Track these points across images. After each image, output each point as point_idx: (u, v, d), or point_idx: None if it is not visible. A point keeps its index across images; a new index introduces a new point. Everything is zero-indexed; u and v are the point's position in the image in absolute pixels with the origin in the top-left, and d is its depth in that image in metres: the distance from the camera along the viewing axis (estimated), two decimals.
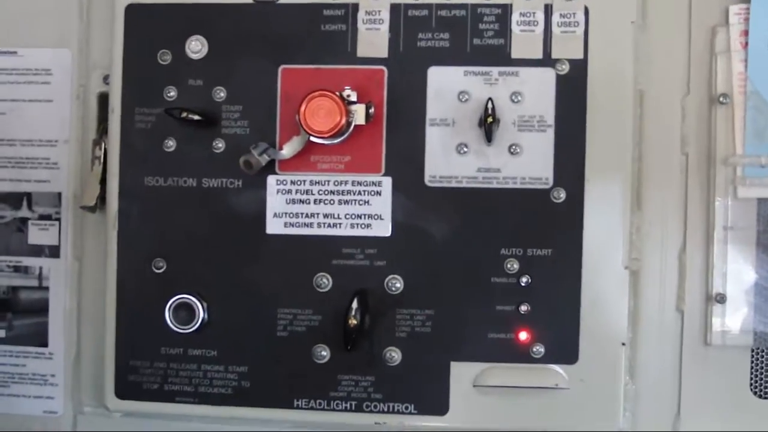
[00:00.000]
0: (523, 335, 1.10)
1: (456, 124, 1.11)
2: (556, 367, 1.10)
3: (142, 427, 1.19)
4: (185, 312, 1.12)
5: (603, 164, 1.09)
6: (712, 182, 1.12)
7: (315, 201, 1.12)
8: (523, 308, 1.09)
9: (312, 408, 1.12)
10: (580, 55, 1.10)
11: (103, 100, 1.18)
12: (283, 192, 1.12)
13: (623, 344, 1.09)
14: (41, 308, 1.21)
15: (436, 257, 1.10)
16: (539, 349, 1.09)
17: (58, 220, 1.21)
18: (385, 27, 1.12)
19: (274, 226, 1.12)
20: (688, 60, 1.14)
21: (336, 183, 1.12)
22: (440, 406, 1.11)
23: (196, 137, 1.13)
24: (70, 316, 1.21)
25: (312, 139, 1.08)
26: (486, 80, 1.11)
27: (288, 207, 1.12)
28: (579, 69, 1.10)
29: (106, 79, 1.18)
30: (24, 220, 1.21)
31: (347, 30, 1.12)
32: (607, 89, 1.10)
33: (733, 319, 1.12)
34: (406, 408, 1.11)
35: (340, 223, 1.12)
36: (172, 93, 1.13)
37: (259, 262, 1.12)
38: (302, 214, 1.12)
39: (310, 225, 1.12)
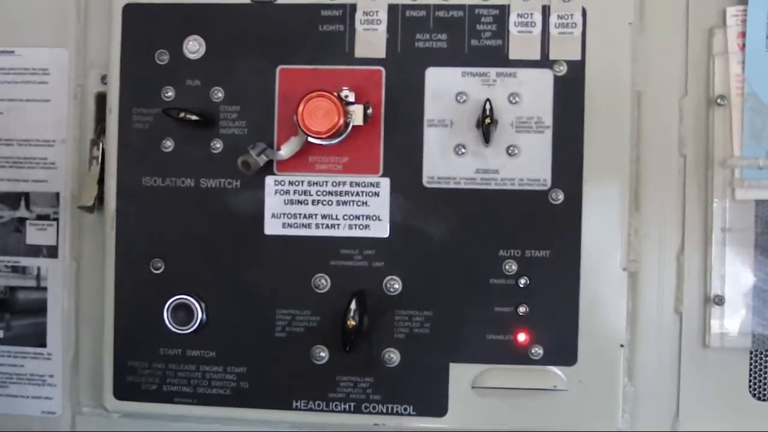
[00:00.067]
0: (522, 337, 1.10)
1: (454, 125, 1.11)
2: (555, 369, 1.10)
3: (140, 427, 1.19)
4: (184, 313, 1.11)
5: (601, 165, 1.09)
6: (710, 184, 1.12)
7: (313, 202, 1.12)
8: (522, 309, 1.09)
9: (311, 409, 1.12)
10: (577, 57, 1.10)
11: (101, 100, 1.18)
12: (281, 192, 1.12)
13: (622, 346, 1.10)
14: (39, 308, 1.21)
15: (434, 258, 1.10)
16: (538, 351, 1.09)
17: (56, 220, 1.21)
18: (382, 27, 1.12)
19: (272, 227, 1.12)
20: (686, 61, 1.14)
21: (334, 184, 1.12)
22: (439, 408, 1.11)
23: (194, 137, 1.13)
24: (69, 316, 1.21)
25: (310, 139, 1.08)
26: (484, 81, 1.11)
27: (286, 208, 1.12)
28: (577, 70, 1.10)
29: (103, 79, 1.18)
30: (22, 220, 1.21)
31: (345, 30, 1.12)
32: (605, 90, 1.10)
33: (732, 321, 1.12)
34: (405, 409, 1.11)
35: (338, 224, 1.12)
36: (169, 93, 1.13)
37: (257, 263, 1.12)
38: (300, 214, 1.12)
39: (308, 226, 1.12)
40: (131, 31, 1.14)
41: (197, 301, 1.11)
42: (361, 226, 1.11)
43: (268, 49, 1.13)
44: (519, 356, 1.10)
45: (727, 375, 1.13)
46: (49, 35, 1.21)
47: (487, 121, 1.07)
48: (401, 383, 1.11)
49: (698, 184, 1.13)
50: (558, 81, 1.10)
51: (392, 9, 1.12)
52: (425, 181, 1.11)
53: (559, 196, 1.09)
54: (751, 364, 1.13)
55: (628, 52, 1.10)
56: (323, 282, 1.11)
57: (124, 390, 1.14)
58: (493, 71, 1.11)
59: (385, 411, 1.11)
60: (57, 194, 1.21)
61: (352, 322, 1.07)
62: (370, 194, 1.11)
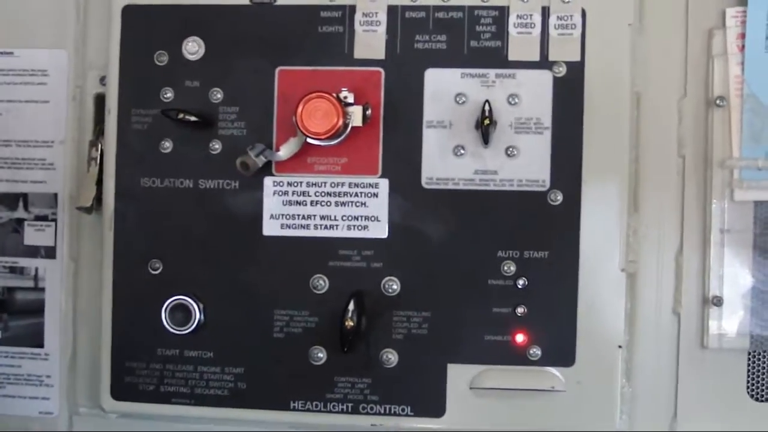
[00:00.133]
0: (520, 337, 1.10)
1: (453, 126, 1.11)
2: (553, 370, 1.10)
3: (137, 428, 1.19)
4: (181, 313, 1.11)
5: (600, 166, 1.09)
6: (709, 185, 1.12)
7: (312, 203, 1.12)
8: (520, 310, 1.09)
9: (308, 410, 1.11)
10: (577, 58, 1.10)
11: (100, 101, 1.18)
12: (280, 193, 1.12)
13: (620, 347, 1.09)
14: (37, 309, 1.21)
15: (432, 259, 1.10)
16: (536, 352, 1.09)
17: (54, 221, 1.21)
18: (382, 29, 1.12)
19: (270, 228, 1.12)
20: (685, 62, 1.14)
21: (333, 185, 1.12)
22: (437, 408, 1.11)
23: (192, 138, 1.13)
24: (66, 317, 1.21)
25: (309, 140, 1.08)
26: (483, 82, 1.11)
27: (285, 208, 1.12)
28: (576, 71, 1.10)
29: (102, 80, 1.18)
30: (20, 221, 1.21)
31: (344, 32, 1.12)
32: (604, 91, 1.10)
33: (730, 322, 1.12)
34: (403, 410, 1.11)
35: (336, 225, 1.12)
36: (168, 94, 1.13)
37: (255, 264, 1.12)
38: (299, 215, 1.12)
39: (307, 226, 1.12)
40: (130, 32, 1.14)
41: (195, 301, 1.11)
42: (359, 227, 1.11)
43: (267, 50, 1.13)
44: (517, 357, 1.10)
45: (725, 376, 1.13)
46: (48, 36, 1.21)
47: (486, 122, 1.07)
48: (399, 384, 1.11)
49: (697, 185, 1.13)
50: (557, 82, 1.10)
51: (391, 10, 1.12)
52: (424, 182, 1.11)
53: (557, 197, 1.09)
54: (749, 365, 1.13)
55: (627, 53, 1.10)
56: (321, 283, 1.11)
57: (122, 390, 1.14)
58: (492, 72, 1.11)
59: (382, 411, 1.11)
60: (55, 195, 1.21)
61: (350, 323, 1.07)
62: (369, 195, 1.11)
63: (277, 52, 1.13)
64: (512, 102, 1.10)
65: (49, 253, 1.21)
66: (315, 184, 1.12)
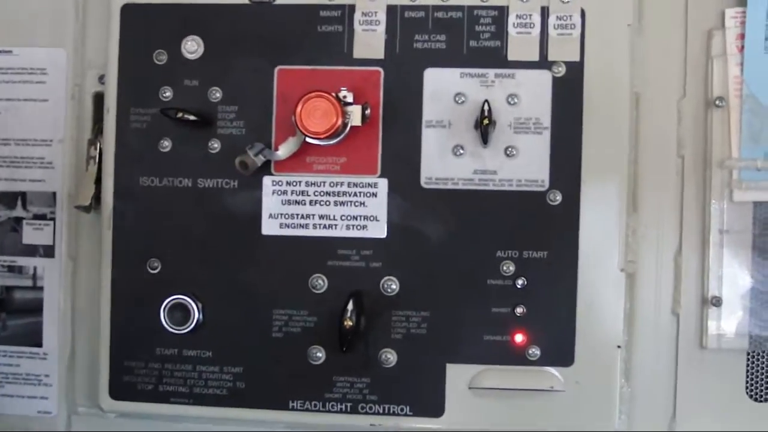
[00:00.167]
0: (519, 337, 1.10)
1: (452, 125, 1.11)
2: (552, 370, 1.10)
3: (136, 427, 1.19)
4: (180, 312, 1.11)
5: (599, 166, 1.09)
6: (708, 185, 1.12)
7: (311, 202, 1.12)
8: (519, 310, 1.09)
9: (307, 409, 1.11)
10: (576, 58, 1.10)
11: (99, 99, 1.18)
12: (279, 193, 1.12)
13: (619, 347, 1.10)
14: (35, 308, 1.21)
15: (431, 259, 1.10)
16: (535, 352, 1.09)
17: (53, 219, 1.21)
18: (381, 28, 1.12)
19: (269, 227, 1.12)
20: (684, 63, 1.14)
21: (332, 184, 1.12)
22: (436, 408, 1.11)
23: (191, 137, 1.13)
24: (65, 316, 1.21)
25: (308, 140, 1.08)
26: (482, 82, 1.11)
27: (283, 208, 1.12)
28: (575, 71, 1.10)
29: (101, 78, 1.18)
30: (18, 220, 1.21)
31: (343, 31, 1.12)
32: (604, 92, 1.10)
33: (729, 322, 1.12)
34: (402, 410, 1.11)
35: (335, 225, 1.12)
36: (167, 93, 1.13)
37: (254, 263, 1.12)
38: (298, 215, 1.12)
39: (306, 226, 1.12)
40: (129, 31, 1.14)
41: (194, 301, 1.11)
42: (358, 227, 1.11)
43: (266, 49, 1.13)
44: (516, 357, 1.10)
45: (724, 376, 1.13)
46: (47, 35, 1.21)
47: (486, 121, 1.07)
48: (398, 383, 1.11)
49: (696, 186, 1.13)
50: (556, 82, 1.10)
51: (391, 10, 1.12)
52: (423, 182, 1.11)
53: (557, 197, 1.09)
54: (748, 365, 1.13)
55: (626, 53, 1.10)
56: (320, 282, 1.11)
57: (120, 390, 1.14)
58: (491, 72, 1.11)
59: (381, 411, 1.11)
60: (54, 194, 1.21)
61: (349, 323, 1.07)
62: (368, 195, 1.11)
63: (276, 52, 1.13)
64: (511, 102, 1.10)
65: (48, 252, 1.21)
66: (314, 184, 1.12)
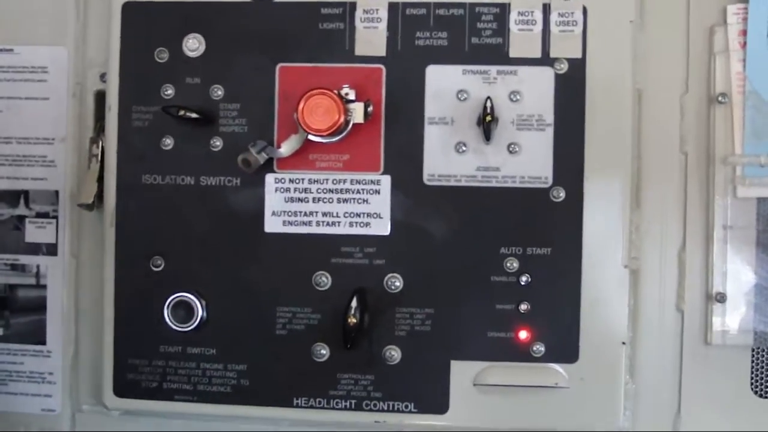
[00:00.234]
0: (523, 334, 1.10)
1: (455, 122, 1.11)
2: (556, 366, 1.10)
3: (140, 425, 1.19)
4: (184, 310, 1.11)
5: (602, 163, 1.09)
6: (712, 181, 1.12)
7: (314, 199, 1.12)
8: (523, 307, 1.09)
9: (311, 406, 1.12)
10: (578, 54, 1.10)
11: (100, 98, 1.18)
12: (282, 190, 1.12)
13: (623, 343, 1.10)
14: (39, 306, 1.21)
15: (435, 256, 1.10)
16: (539, 348, 1.09)
17: (56, 218, 1.21)
18: (383, 25, 1.12)
19: (272, 225, 1.12)
20: (687, 59, 1.14)
21: (335, 181, 1.12)
22: (440, 405, 1.11)
23: (193, 135, 1.13)
24: (68, 314, 1.20)
25: (310, 137, 1.08)
26: (484, 79, 1.11)
27: (286, 205, 1.12)
28: (577, 68, 1.10)
29: (102, 77, 1.18)
30: (21, 218, 1.21)
31: (345, 28, 1.12)
32: (606, 88, 1.10)
33: (733, 318, 1.12)
34: (406, 407, 1.11)
35: (338, 222, 1.12)
36: (169, 91, 1.13)
37: (257, 261, 1.12)
38: (301, 212, 1.12)
39: (309, 223, 1.12)
40: (131, 29, 1.14)
41: (198, 298, 1.11)
42: (361, 224, 1.11)
43: (268, 46, 1.12)
44: (520, 354, 1.10)
45: (728, 372, 1.13)
46: (48, 33, 1.21)
47: (488, 118, 1.07)
48: (402, 381, 1.11)
49: (699, 182, 1.13)
50: (559, 79, 1.10)
51: (392, 7, 1.12)
52: (426, 179, 1.11)
53: (560, 194, 1.09)
54: (752, 361, 1.13)
55: (629, 50, 1.10)
56: (324, 279, 1.11)
57: (125, 387, 1.14)
58: (493, 69, 1.10)
59: (386, 408, 1.11)
60: (56, 192, 1.21)
61: (353, 320, 1.07)
62: (371, 192, 1.11)
63: (277, 49, 1.12)
64: (514, 99, 1.10)
65: (51, 250, 1.21)
66: (317, 181, 1.12)
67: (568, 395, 1.10)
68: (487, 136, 1.08)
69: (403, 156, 1.11)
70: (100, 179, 1.15)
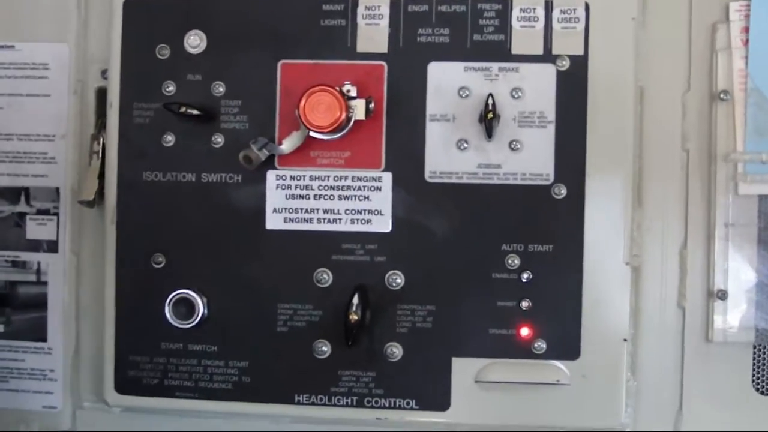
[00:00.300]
0: (525, 331, 1.10)
1: (456, 119, 1.11)
2: (558, 363, 1.10)
3: (141, 422, 1.19)
4: (185, 307, 1.11)
5: (604, 160, 1.09)
6: (713, 179, 1.12)
7: (315, 196, 1.12)
8: (525, 304, 1.09)
9: (313, 403, 1.11)
10: (580, 51, 1.10)
11: (101, 94, 1.18)
12: (283, 187, 1.12)
13: (625, 340, 1.10)
14: (40, 303, 1.21)
15: (436, 253, 1.10)
16: (541, 345, 1.09)
17: (57, 214, 1.21)
18: (384, 22, 1.12)
19: (273, 222, 1.12)
20: (689, 56, 1.14)
21: (336, 178, 1.11)
22: (442, 402, 1.11)
23: (195, 132, 1.12)
24: (69, 311, 1.20)
25: (312, 134, 1.08)
26: (486, 76, 1.11)
27: (288, 202, 1.12)
28: (579, 65, 1.10)
29: (104, 73, 1.18)
30: (22, 215, 1.21)
31: (347, 25, 1.12)
32: (608, 85, 1.10)
33: (735, 315, 1.12)
34: (408, 403, 1.11)
35: (340, 219, 1.12)
36: (170, 88, 1.13)
37: (259, 258, 1.12)
38: (302, 209, 1.12)
39: (310, 220, 1.12)
40: (132, 26, 1.14)
41: (199, 295, 1.11)
42: (363, 221, 1.11)
43: (269, 43, 1.12)
44: (522, 351, 1.10)
45: (730, 369, 1.13)
46: (50, 30, 1.21)
47: (490, 115, 1.07)
48: (404, 377, 1.11)
49: (701, 179, 1.13)
50: (561, 76, 1.10)
51: (394, 3, 1.12)
52: (427, 176, 1.11)
53: (561, 191, 1.09)
54: (754, 358, 1.13)
55: (631, 47, 1.10)
56: (325, 276, 1.11)
57: (126, 384, 1.14)
58: (495, 66, 1.10)
59: (387, 405, 1.11)
60: (57, 189, 1.20)
61: (354, 317, 1.07)
62: (372, 189, 1.11)
63: (279, 46, 1.12)
64: (516, 96, 1.10)
65: (52, 247, 1.21)
66: (318, 178, 1.12)
67: (570, 392, 1.10)
68: (489, 133, 1.08)
69: (405, 153, 1.11)
70: (101, 176, 1.15)
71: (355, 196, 1.11)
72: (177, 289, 1.11)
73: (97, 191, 1.15)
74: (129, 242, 1.13)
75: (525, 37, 1.11)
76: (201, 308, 1.11)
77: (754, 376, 1.13)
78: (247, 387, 1.12)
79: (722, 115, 1.12)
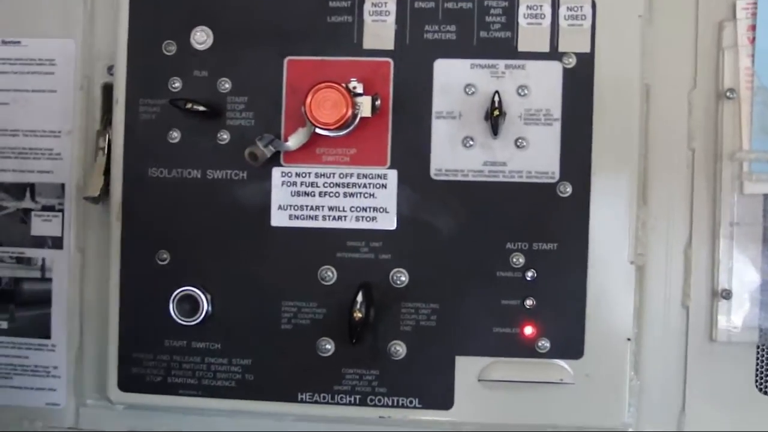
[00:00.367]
0: (529, 330, 1.09)
1: (462, 117, 1.10)
2: (562, 362, 1.09)
3: (144, 419, 1.19)
4: (189, 304, 1.11)
5: (609, 158, 1.09)
6: (719, 177, 1.12)
7: (320, 193, 1.12)
8: (529, 302, 1.09)
9: (316, 401, 1.11)
10: (587, 49, 1.10)
11: (108, 90, 1.18)
12: (288, 184, 1.12)
13: (628, 339, 1.09)
14: (44, 300, 1.21)
15: (441, 251, 1.10)
16: (544, 344, 1.09)
17: (62, 211, 1.21)
18: (391, 19, 1.12)
19: (278, 219, 1.12)
20: (695, 54, 1.14)
21: (341, 175, 1.11)
22: (445, 400, 1.11)
23: (200, 128, 1.12)
24: (73, 307, 1.20)
25: (317, 131, 1.08)
26: (492, 73, 1.10)
27: (293, 199, 1.12)
28: (586, 63, 1.10)
29: (110, 69, 1.18)
30: (27, 211, 1.21)
31: (353, 22, 1.12)
32: (614, 83, 1.10)
33: (739, 315, 1.12)
34: (411, 402, 1.11)
35: (345, 216, 1.11)
36: (176, 84, 1.13)
37: (263, 255, 1.12)
38: (307, 206, 1.12)
39: (315, 218, 1.12)
40: (138, 22, 1.14)
41: (203, 292, 1.11)
42: (368, 218, 1.11)
43: (275, 40, 1.12)
44: (525, 349, 1.10)
45: (733, 369, 1.13)
46: (56, 26, 1.21)
47: (496, 113, 1.07)
48: (407, 376, 1.11)
49: (706, 178, 1.13)
50: (567, 73, 1.10)
51: (401, 0, 1.12)
52: (433, 174, 1.10)
53: (567, 189, 1.09)
54: (758, 358, 1.13)
55: (637, 44, 1.10)
56: (330, 274, 1.11)
57: (129, 382, 1.14)
58: (501, 63, 1.10)
59: (390, 404, 1.11)
60: (62, 185, 1.21)
61: (358, 315, 1.07)
62: (378, 186, 1.11)
63: (285, 42, 1.12)
64: (522, 93, 1.10)
65: (56, 243, 1.21)
66: (323, 175, 1.12)
67: (573, 391, 1.09)
68: (495, 130, 1.08)
69: (410, 150, 1.11)
70: (107, 172, 1.15)
71: (360, 193, 1.11)
72: (181, 286, 1.11)
73: (103, 187, 1.15)
74: (134, 239, 1.13)
75: (531, 35, 1.10)
76: (205, 305, 1.11)
77: (757, 376, 1.13)
78: (251, 385, 1.12)
79: (728, 114, 1.12)
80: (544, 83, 1.10)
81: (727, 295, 1.11)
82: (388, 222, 1.11)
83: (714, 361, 1.13)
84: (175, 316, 1.11)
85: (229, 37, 1.12)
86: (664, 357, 1.14)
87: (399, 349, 1.10)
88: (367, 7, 1.11)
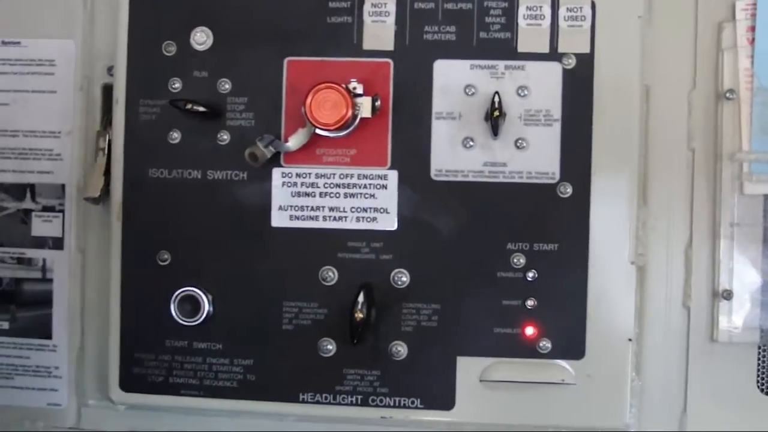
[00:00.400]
0: (530, 330, 1.10)
1: (462, 117, 1.10)
2: (563, 363, 1.10)
3: (146, 419, 1.19)
4: (190, 305, 1.11)
5: (609, 159, 1.09)
6: (719, 178, 1.12)
7: (320, 194, 1.12)
8: (530, 303, 1.09)
9: (317, 402, 1.11)
10: (586, 50, 1.10)
11: (108, 91, 1.18)
12: (289, 185, 1.12)
13: (630, 340, 1.09)
14: (45, 300, 1.21)
15: (442, 251, 1.10)
16: (546, 344, 1.09)
17: (62, 211, 1.21)
18: (391, 20, 1.12)
19: (279, 219, 1.12)
20: (695, 55, 1.14)
21: (342, 176, 1.11)
22: (446, 401, 1.11)
23: (201, 129, 1.12)
24: (74, 308, 1.20)
25: (318, 131, 1.08)
26: (492, 74, 1.11)
27: (293, 200, 1.12)
28: (585, 63, 1.10)
29: (110, 70, 1.18)
30: (27, 212, 1.21)
31: (353, 22, 1.12)
32: (614, 84, 1.10)
33: (740, 315, 1.12)
34: (412, 402, 1.11)
35: (345, 217, 1.11)
36: (176, 84, 1.13)
37: (264, 255, 1.12)
38: (308, 207, 1.12)
39: (316, 218, 1.12)
40: (138, 22, 1.14)
41: (204, 293, 1.11)
42: (368, 219, 1.11)
43: (275, 40, 1.12)
44: (527, 350, 1.10)
45: (734, 369, 1.13)
46: (56, 26, 1.21)
47: (496, 113, 1.07)
48: (408, 376, 1.11)
49: (707, 179, 1.13)
50: (567, 74, 1.10)
51: (400, 1, 1.12)
52: (433, 174, 1.10)
53: (567, 190, 1.09)
54: (759, 358, 1.13)
55: (637, 45, 1.10)
56: (330, 274, 1.11)
57: (131, 382, 1.14)
58: (501, 64, 1.10)
59: (392, 404, 1.11)
60: (63, 186, 1.21)
61: (359, 315, 1.07)
62: (378, 187, 1.11)
63: (285, 43, 1.12)
64: (522, 94, 1.10)
65: (57, 244, 1.21)
66: (324, 176, 1.12)
67: (574, 392, 1.10)
68: (495, 131, 1.08)
69: (411, 151, 1.11)
70: (107, 173, 1.15)
71: (360, 194, 1.11)
72: (182, 287, 1.11)
73: (103, 188, 1.15)
74: (134, 239, 1.14)
75: (531, 35, 1.10)
76: (206, 306, 1.11)
77: (758, 376, 1.13)
78: (252, 385, 1.12)
79: (728, 114, 1.12)
80: (544, 84, 1.10)
81: (727, 295, 1.11)
82: (389, 222, 1.11)
83: (715, 361, 1.13)
84: (176, 317, 1.11)
85: (229, 37, 1.12)
86: (666, 357, 1.14)
87: (400, 349, 1.10)
88: (367, 7, 1.11)
